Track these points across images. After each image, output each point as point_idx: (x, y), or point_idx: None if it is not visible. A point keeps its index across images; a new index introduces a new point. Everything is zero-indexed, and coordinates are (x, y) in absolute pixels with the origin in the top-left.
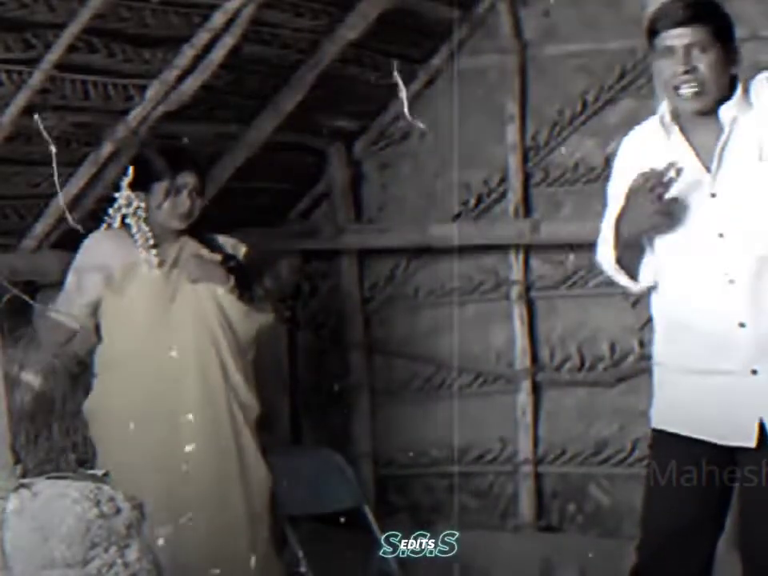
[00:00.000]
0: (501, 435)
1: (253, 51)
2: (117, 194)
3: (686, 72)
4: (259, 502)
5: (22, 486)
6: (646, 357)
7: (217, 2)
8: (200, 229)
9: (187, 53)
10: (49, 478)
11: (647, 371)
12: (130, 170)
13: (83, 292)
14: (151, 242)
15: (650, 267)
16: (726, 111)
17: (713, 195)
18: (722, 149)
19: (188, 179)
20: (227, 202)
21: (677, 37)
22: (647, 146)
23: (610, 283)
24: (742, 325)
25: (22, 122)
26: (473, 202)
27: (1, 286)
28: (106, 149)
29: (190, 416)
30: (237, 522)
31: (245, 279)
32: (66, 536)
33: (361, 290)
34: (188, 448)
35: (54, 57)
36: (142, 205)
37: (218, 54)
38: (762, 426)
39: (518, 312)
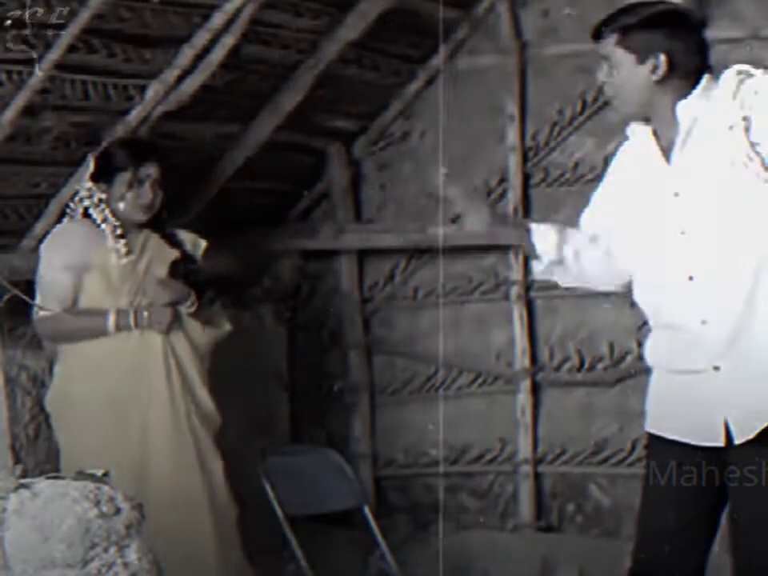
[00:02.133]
0: (500, 435)
1: (253, 51)
2: (78, 186)
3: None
4: (222, 499)
5: (22, 485)
6: (645, 357)
7: (217, 2)
8: (162, 223)
9: (187, 53)
10: (49, 477)
11: (646, 371)
12: (91, 161)
13: (68, 287)
14: (119, 231)
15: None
16: (684, 110)
17: (676, 194)
18: (681, 147)
19: (151, 170)
20: (227, 201)
21: (597, 51)
22: (635, 145)
23: None
24: (704, 322)
25: (22, 122)
26: None
27: (1, 286)
28: None
29: (152, 412)
30: (202, 517)
31: (203, 287)
32: (65, 536)
33: (360, 290)
34: (151, 441)
35: (54, 57)
36: (104, 196)
37: (218, 54)
38: (727, 423)
39: (518, 312)
